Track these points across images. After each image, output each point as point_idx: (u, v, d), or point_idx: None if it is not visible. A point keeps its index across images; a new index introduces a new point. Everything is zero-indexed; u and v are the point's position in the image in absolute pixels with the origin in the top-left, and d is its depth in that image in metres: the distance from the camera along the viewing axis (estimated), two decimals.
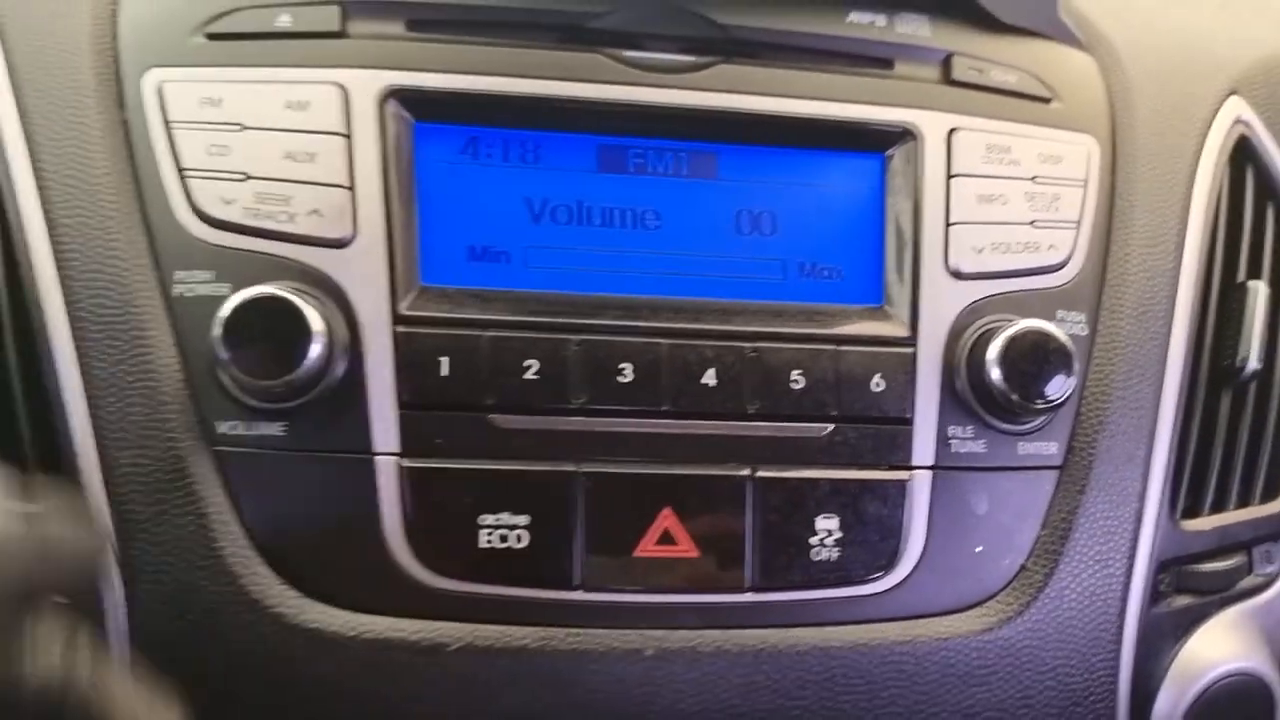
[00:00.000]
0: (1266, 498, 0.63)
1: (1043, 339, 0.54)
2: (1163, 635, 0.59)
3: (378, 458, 0.51)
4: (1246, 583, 0.62)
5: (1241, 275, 0.63)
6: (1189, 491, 0.60)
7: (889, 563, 0.54)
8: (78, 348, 0.51)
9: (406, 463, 0.51)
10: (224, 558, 0.50)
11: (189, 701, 0.49)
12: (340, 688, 0.50)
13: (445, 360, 0.52)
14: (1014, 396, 0.54)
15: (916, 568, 0.55)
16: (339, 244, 0.52)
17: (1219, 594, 0.61)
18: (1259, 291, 0.62)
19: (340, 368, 0.51)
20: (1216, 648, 0.60)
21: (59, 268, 0.52)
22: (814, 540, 0.54)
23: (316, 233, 0.52)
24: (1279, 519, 0.63)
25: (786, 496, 0.53)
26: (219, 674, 0.50)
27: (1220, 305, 0.62)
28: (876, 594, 0.55)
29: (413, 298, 0.52)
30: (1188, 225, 0.61)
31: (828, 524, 0.54)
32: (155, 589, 0.50)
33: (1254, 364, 0.61)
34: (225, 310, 0.48)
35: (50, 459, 0.51)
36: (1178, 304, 0.60)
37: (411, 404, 0.51)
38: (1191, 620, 0.60)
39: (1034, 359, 0.54)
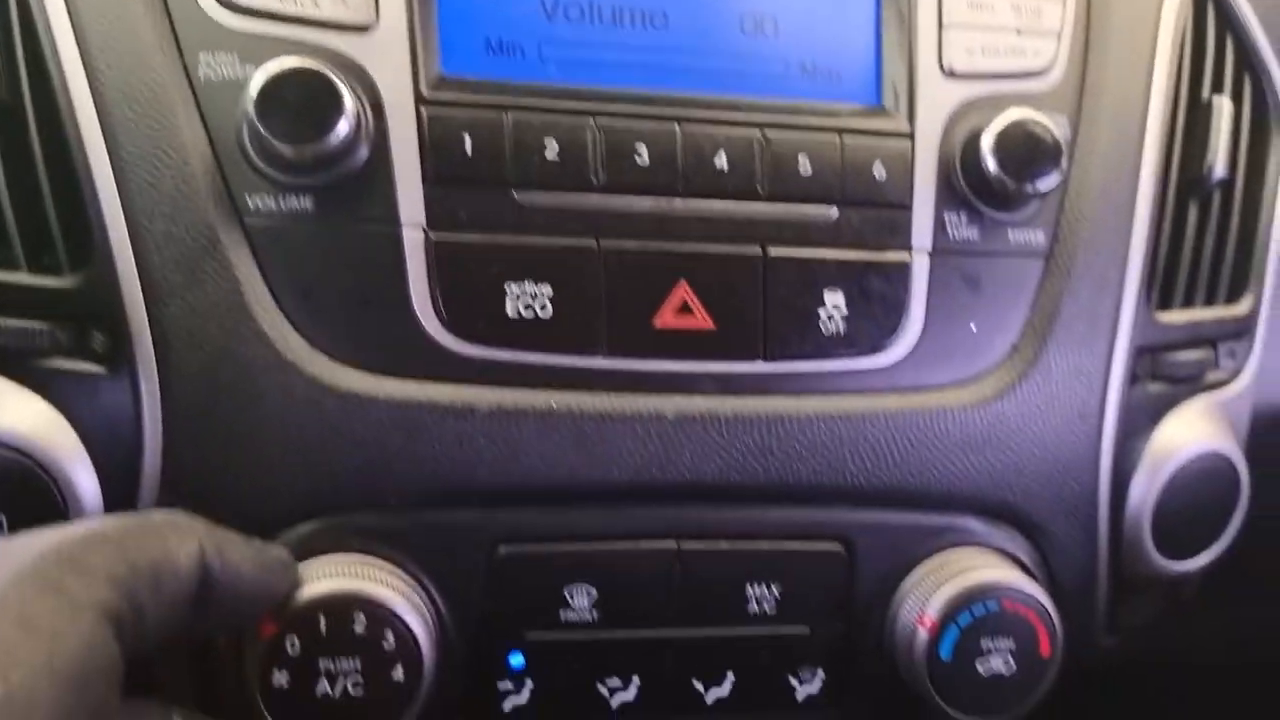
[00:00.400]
0: (1230, 299, 0.67)
1: (1035, 127, 0.57)
2: (1139, 418, 0.63)
3: (404, 230, 0.53)
4: (1213, 376, 0.66)
5: (1206, 94, 0.67)
6: (1162, 289, 0.64)
7: (891, 337, 0.58)
8: (103, 126, 0.51)
9: (433, 235, 0.53)
10: (257, 322, 0.52)
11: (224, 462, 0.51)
12: (373, 447, 0.52)
13: (468, 137, 0.53)
14: (1008, 182, 0.57)
15: (917, 344, 0.58)
16: (361, 28, 0.53)
17: (1189, 383, 0.65)
18: (1223, 107, 0.66)
19: (366, 145, 0.52)
20: (1188, 431, 0.64)
21: (82, 53, 0.52)
22: (822, 315, 0.57)
23: (339, 17, 0.53)
24: (1242, 321, 0.67)
25: (796, 273, 0.56)
26: (254, 434, 0.51)
27: (1188, 122, 0.66)
28: (880, 367, 0.58)
29: (434, 82, 0.54)
30: (1157, 45, 0.65)
31: (834, 299, 0.57)
32: (189, 354, 0.51)
33: (1220, 173, 0.65)
34: (260, 77, 0.49)
35: (76, 231, 0.51)
36: (1150, 115, 0.64)
37: (436, 179, 0.53)
38: (1165, 405, 0.64)
39: (1027, 145, 0.57)
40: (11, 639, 0.31)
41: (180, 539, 0.41)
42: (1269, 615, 0.87)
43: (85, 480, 0.52)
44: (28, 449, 0.51)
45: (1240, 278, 0.68)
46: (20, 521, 0.50)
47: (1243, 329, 0.68)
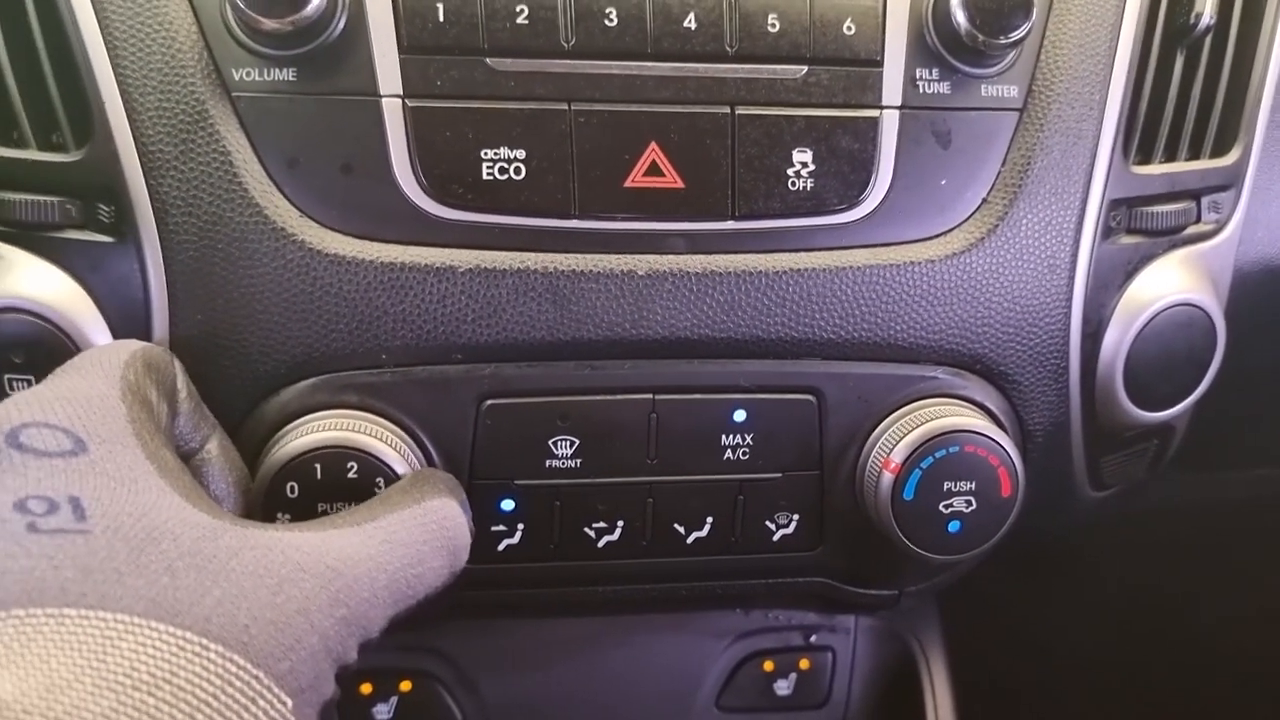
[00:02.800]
0: (1216, 152, 0.67)
1: None
2: (1114, 270, 0.64)
3: (383, 99, 0.55)
4: (1194, 229, 0.67)
5: None
6: (1142, 141, 0.65)
7: (859, 194, 0.59)
8: (95, 6, 0.54)
9: (410, 103, 0.55)
10: (247, 191, 0.55)
11: (225, 323, 0.54)
12: (361, 306, 0.56)
13: (441, 5, 0.55)
14: (978, 35, 0.57)
15: (885, 199, 0.59)
16: None
17: (1167, 235, 0.65)
18: None
19: (342, 16, 0.54)
20: (1164, 283, 0.65)
21: None
22: (790, 172, 0.58)
23: None
24: (1227, 172, 0.67)
25: (764, 132, 0.57)
26: (251, 297, 0.55)
27: None
28: (848, 223, 0.59)
29: None
30: None
31: (802, 157, 0.58)
32: (186, 221, 0.55)
33: (1207, 20, 0.64)
34: None
35: (78, 110, 0.54)
36: None
37: (412, 47, 0.55)
38: (1141, 258, 0.65)
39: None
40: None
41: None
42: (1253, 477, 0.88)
43: (103, 343, 0.56)
44: (51, 316, 0.55)
45: (1228, 129, 0.68)
46: None
47: (1228, 181, 0.68)
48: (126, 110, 0.54)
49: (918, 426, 0.59)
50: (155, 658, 0.27)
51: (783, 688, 0.86)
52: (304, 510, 0.53)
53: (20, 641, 0.26)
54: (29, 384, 0.55)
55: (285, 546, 0.36)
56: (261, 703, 0.29)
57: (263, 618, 0.32)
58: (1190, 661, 1.13)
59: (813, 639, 0.86)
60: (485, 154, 0.56)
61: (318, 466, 0.53)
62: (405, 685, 0.80)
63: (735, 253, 0.58)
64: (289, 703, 0.30)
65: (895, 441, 0.59)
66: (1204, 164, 0.67)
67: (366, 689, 0.81)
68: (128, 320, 0.56)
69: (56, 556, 0.29)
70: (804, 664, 0.86)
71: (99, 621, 0.27)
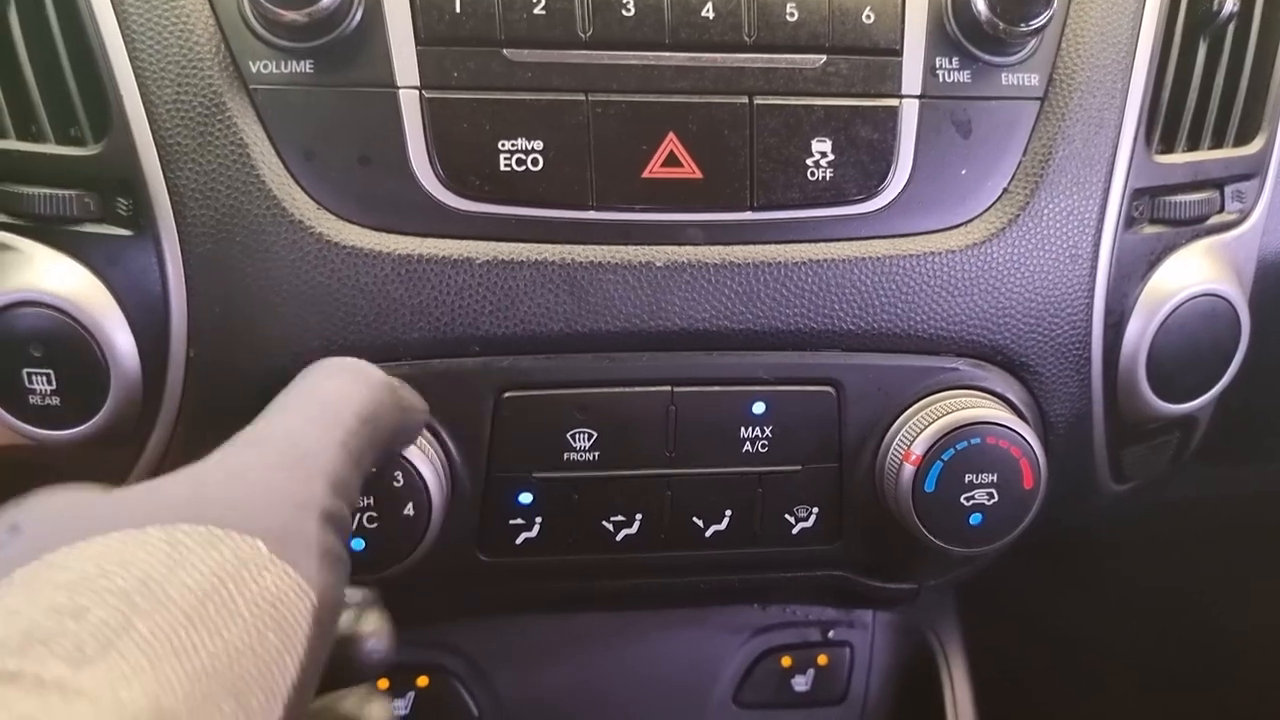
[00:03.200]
0: (1240, 141, 0.66)
1: None
2: (1136, 260, 0.63)
3: (400, 91, 0.55)
4: (1217, 219, 0.66)
5: None
6: (1165, 130, 0.64)
7: (879, 184, 0.59)
8: (113, 1, 0.54)
9: (427, 94, 0.55)
10: (264, 182, 0.55)
11: (243, 315, 0.54)
12: (379, 298, 0.55)
13: None
14: (999, 23, 0.56)
15: (905, 188, 0.59)
16: None
17: (1190, 225, 0.65)
18: None
19: (360, 7, 0.54)
20: (1188, 273, 0.64)
21: None
22: (809, 162, 0.58)
23: None
24: (1251, 161, 0.67)
25: (783, 121, 0.57)
26: (268, 288, 0.55)
27: None
28: (868, 213, 0.59)
29: None
30: None
31: (821, 147, 0.58)
32: (203, 213, 0.55)
33: (1231, 7, 0.63)
34: None
35: (96, 103, 0.54)
36: None
37: (429, 39, 0.55)
38: (1164, 248, 0.64)
39: None
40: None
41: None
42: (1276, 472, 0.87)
43: (122, 337, 0.56)
44: (70, 310, 0.55)
45: (1252, 118, 0.67)
46: (66, 377, 0.55)
47: (1251, 170, 0.67)
48: (144, 103, 0.54)
49: (939, 418, 0.58)
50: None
51: (801, 683, 0.85)
52: None
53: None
54: (48, 378, 0.55)
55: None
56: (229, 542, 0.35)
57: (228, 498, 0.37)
58: (1211, 658, 1.12)
59: (831, 634, 0.86)
60: (503, 145, 0.55)
61: None
62: (422, 681, 0.80)
63: (754, 243, 0.58)
64: (259, 542, 0.35)
65: (916, 433, 0.59)
66: (1227, 153, 0.66)
67: (383, 684, 0.81)
68: (146, 314, 0.56)
69: None
70: (822, 659, 0.86)
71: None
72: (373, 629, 0.44)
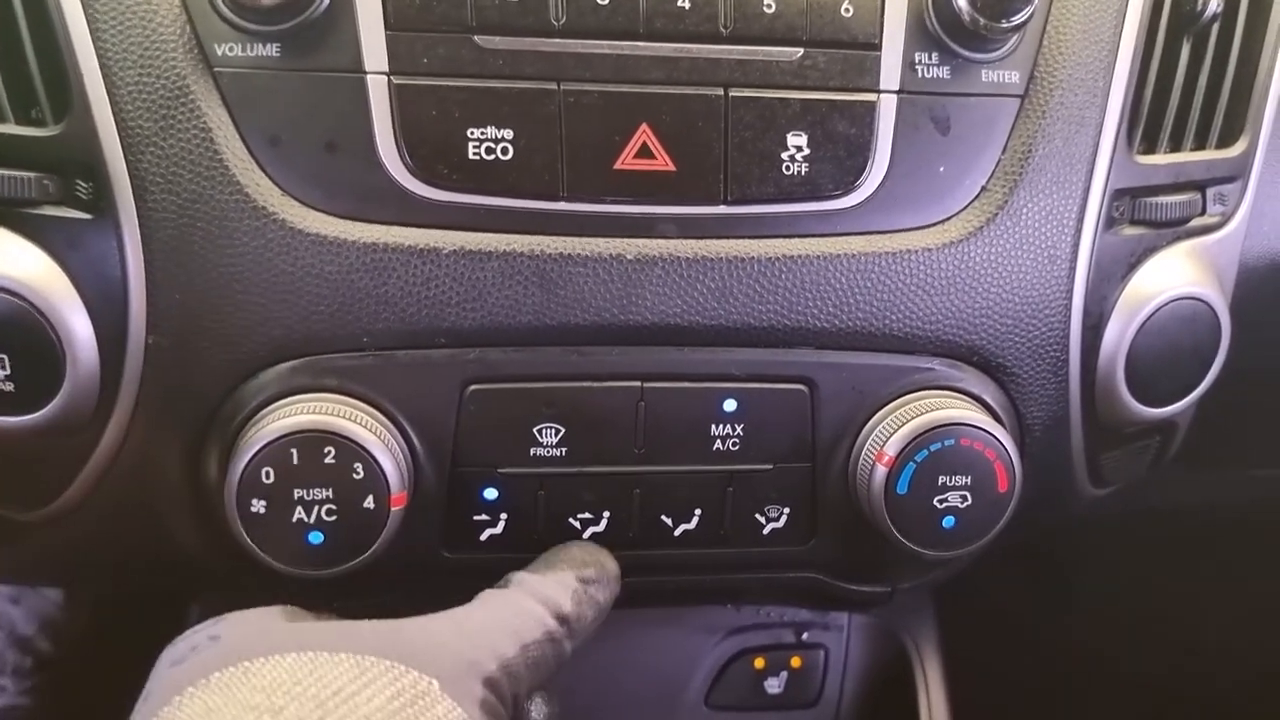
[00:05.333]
0: (1223, 142, 0.66)
1: None
2: (1116, 261, 0.63)
3: (369, 76, 0.54)
4: (1199, 221, 0.65)
5: None
6: (1147, 130, 0.63)
7: (855, 179, 0.58)
8: None
9: (396, 80, 0.54)
10: (228, 167, 0.53)
11: (204, 302, 0.53)
12: (343, 288, 0.54)
13: None
14: (979, 19, 0.56)
15: (882, 185, 0.58)
16: None
17: (1172, 227, 0.64)
18: None
19: None
20: (1168, 275, 0.63)
21: None
22: (784, 157, 0.57)
23: None
24: (1234, 163, 0.66)
25: (758, 114, 0.56)
26: (230, 276, 0.54)
27: None
28: (844, 209, 0.58)
29: None
30: None
31: (797, 141, 0.57)
32: (165, 198, 0.53)
33: (1214, 8, 0.62)
34: None
35: (57, 84, 0.53)
36: None
37: (398, 24, 0.54)
38: (1145, 250, 0.64)
39: None
40: None
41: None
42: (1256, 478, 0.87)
43: (79, 323, 0.55)
44: (26, 294, 0.54)
45: (1235, 119, 0.66)
46: (21, 362, 0.54)
47: (1234, 173, 0.66)
48: (106, 85, 0.53)
49: (913, 419, 0.57)
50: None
51: (773, 686, 0.84)
52: (280, 497, 0.52)
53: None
54: (1, 363, 0.54)
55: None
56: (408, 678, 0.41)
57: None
58: (1189, 661, 1.12)
59: (805, 636, 0.85)
60: (472, 134, 0.54)
61: (294, 451, 0.52)
62: None
63: (727, 238, 0.57)
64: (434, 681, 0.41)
65: (889, 434, 0.58)
66: (1210, 154, 0.65)
67: None
68: (105, 300, 0.55)
69: None
70: (795, 662, 0.85)
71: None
72: None
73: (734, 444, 0.59)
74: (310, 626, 0.45)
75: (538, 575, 0.55)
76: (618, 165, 0.56)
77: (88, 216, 0.54)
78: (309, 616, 0.49)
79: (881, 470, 0.57)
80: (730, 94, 0.56)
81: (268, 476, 0.52)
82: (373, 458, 0.53)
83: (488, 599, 0.52)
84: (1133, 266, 0.63)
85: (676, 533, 0.61)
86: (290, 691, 0.38)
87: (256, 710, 0.36)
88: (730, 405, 0.59)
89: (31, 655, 1.11)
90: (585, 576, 0.55)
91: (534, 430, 0.58)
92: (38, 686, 1.09)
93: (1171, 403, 0.66)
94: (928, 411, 0.58)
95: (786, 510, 0.62)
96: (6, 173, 0.54)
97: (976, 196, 0.59)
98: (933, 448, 0.57)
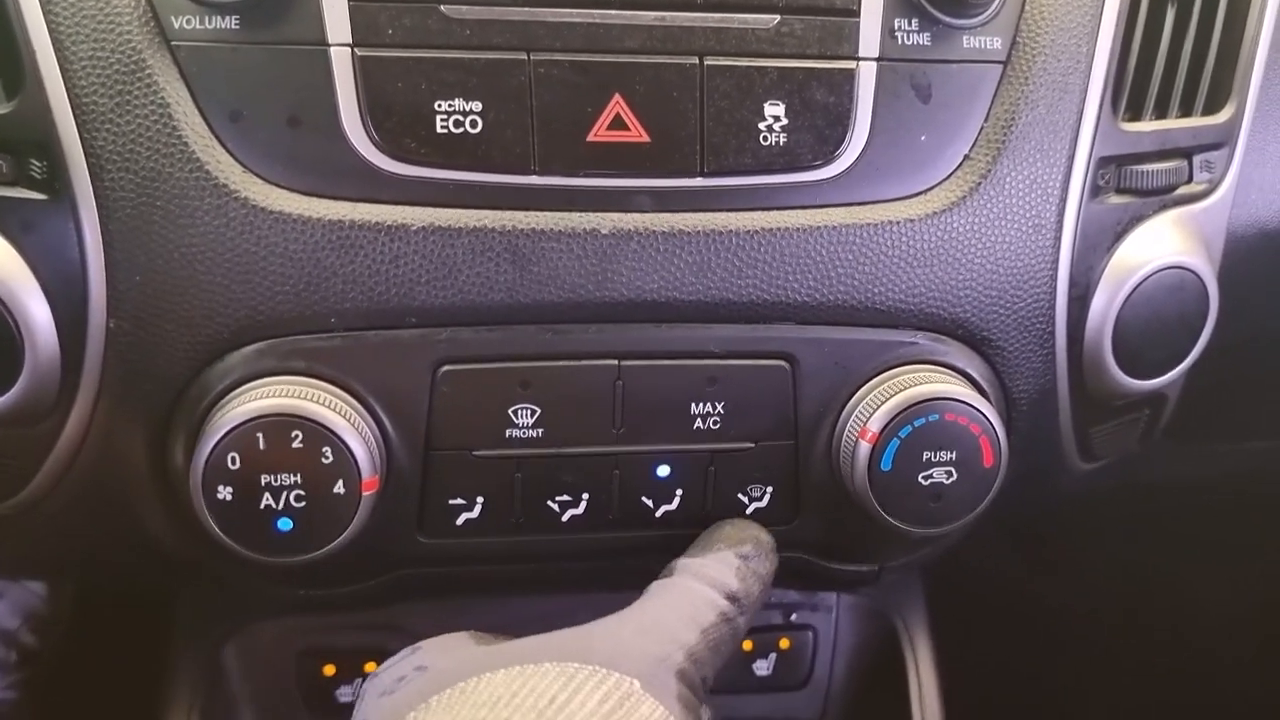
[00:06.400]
0: (1209, 109, 0.64)
1: None
2: (1102, 231, 0.61)
3: (331, 48, 0.52)
4: (1185, 190, 0.64)
5: None
6: (1132, 97, 0.62)
7: (835, 149, 0.56)
8: None
9: (360, 52, 0.52)
10: (188, 144, 0.52)
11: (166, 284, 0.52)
12: (309, 267, 0.53)
13: None
14: None
15: (862, 155, 0.57)
16: None
17: (1158, 195, 0.63)
18: None
19: None
20: (1155, 245, 0.62)
21: None
22: (762, 127, 0.55)
23: None
24: (1220, 130, 0.65)
25: (735, 84, 0.55)
26: (191, 256, 0.52)
27: None
28: (824, 180, 0.57)
29: None
30: None
31: (775, 111, 0.55)
32: (122, 177, 0.52)
33: None
34: None
35: (7, 59, 0.51)
36: None
37: None
38: (1131, 219, 0.62)
39: None
40: None
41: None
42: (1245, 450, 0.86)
43: (37, 308, 0.53)
44: None
45: (1221, 86, 0.65)
46: None
47: (1220, 140, 0.65)
48: (59, 59, 0.51)
49: (896, 394, 0.56)
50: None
51: (762, 668, 0.83)
52: (246, 483, 0.51)
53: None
54: None
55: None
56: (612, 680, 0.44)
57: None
58: (1181, 640, 1.11)
59: (793, 617, 0.84)
60: (440, 106, 0.53)
61: (260, 436, 0.51)
62: (370, 666, 0.78)
63: (704, 211, 0.56)
64: (635, 681, 0.44)
65: (873, 409, 0.57)
66: (1196, 121, 0.64)
67: (330, 670, 0.78)
68: (63, 283, 0.53)
69: None
70: (784, 643, 0.84)
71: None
72: None
73: (714, 422, 0.58)
74: (508, 646, 0.47)
75: (698, 559, 0.55)
76: (591, 137, 0.54)
77: (42, 197, 0.53)
78: (492, 640, 0.50)
79: (865, 447, 0.56)
80: (705, 62, 0.54)
81: (234, 462, 0.51)
82: (342, 442, 0.51)
83: (658, 591, 0.53)
84: (1119, 236, 0.62)
85: (658, 514, 0.60)
86: (510, 704, 0.40)
87: None
88: (710, 383, 0.57)
89: (15, 650, 1.09)
90: (743, 553, 0.56)
91: (509, 411, 0.56)
92: (22, 682, 1.07)
93: (1160, 374, 0.65)
94: (911, 386, 0.56)
95: (770, 489, 0.61)
96: None
97: (959, 166, 0.58)
98: (917, 423, 0.56)
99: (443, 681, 0.43)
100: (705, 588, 0.53)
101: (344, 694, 0.78)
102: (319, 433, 0.51)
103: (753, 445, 0.59)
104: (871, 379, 0.59)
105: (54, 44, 0.51)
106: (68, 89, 0.51)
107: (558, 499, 0.59)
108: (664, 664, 0.47)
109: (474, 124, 0.53)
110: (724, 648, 0.52)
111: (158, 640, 0.80)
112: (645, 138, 0.54)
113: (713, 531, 0.59)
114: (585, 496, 0.59)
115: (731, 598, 0.53)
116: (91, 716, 1.02)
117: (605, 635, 0.48)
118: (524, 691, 0.41)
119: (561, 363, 0.56)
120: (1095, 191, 0.61)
